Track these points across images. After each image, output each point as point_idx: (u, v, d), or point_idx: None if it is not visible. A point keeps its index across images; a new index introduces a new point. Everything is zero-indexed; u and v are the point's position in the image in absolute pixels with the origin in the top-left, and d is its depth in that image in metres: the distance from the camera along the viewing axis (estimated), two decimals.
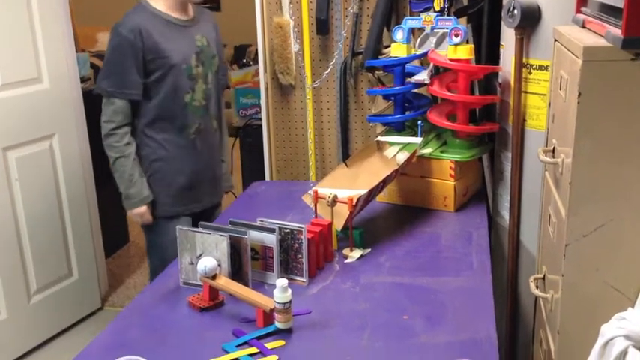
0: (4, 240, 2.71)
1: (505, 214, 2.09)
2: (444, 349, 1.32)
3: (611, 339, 1.06)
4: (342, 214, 1.83)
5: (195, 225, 2.36)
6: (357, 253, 1.82)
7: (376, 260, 1.78)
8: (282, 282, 1.41)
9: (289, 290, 1.42)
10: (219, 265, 1.56)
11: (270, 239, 1.63)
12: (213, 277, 1.54)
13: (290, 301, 1.42)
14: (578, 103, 1.28)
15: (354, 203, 1.79)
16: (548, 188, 1.64)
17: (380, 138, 2.20)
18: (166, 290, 1.64)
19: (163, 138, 2.24)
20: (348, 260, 1.79)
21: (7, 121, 2.69)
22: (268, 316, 1.44)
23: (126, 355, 1.23)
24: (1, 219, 2.69)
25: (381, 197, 2.19)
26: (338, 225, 1.84)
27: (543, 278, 1.66)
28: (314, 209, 1.87)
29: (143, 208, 2.25)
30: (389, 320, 1.46)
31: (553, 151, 1.55)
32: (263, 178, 3.00)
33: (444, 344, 1.34)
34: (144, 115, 2.23)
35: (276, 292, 1.42)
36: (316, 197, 1.85)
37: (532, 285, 1.63)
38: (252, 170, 3.53)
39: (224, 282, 1.54)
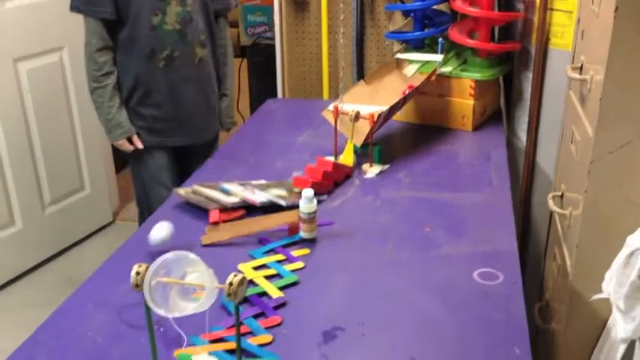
0: (18, 152, 2.72)
1: (522, 134, 2.10)
2: (466, 259, 1.36)
3: (636, 250, 1.09)
4: (361, 130, 1.83)
5: (180, 160, 2.36)
6: (376, 169, 1.83)
7: (395, 176, 1.79)
8: (308, 192, 1.43)
9: (315, 201, 1.44)
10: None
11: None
12: (215, 223, 1.52)
13: (315, 212, 1.44)
14: (615, 17, 1.26)
15: (375, 119, 1.79)
16: (572, 107, 1.64)
17: (399, 55, 2.17)
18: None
19: (133, 64, 2.12)
20: (368, 176, 1.80)
21: (16, 32, 2.65)
22: (294, 227, 1.47)
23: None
24: (14, 131, 2.69)
25: (398, 116, 2.18)
26: (357, 141, 1.85)
27: (561, 196, 1.68)
28: (334, 125, 1.86)
29: (123, 141, 2.19)
30: (411, 232, 1.49)
31: (581, 68, 1.54)
32: (272, 97, 2.99)
33: (466, 255, 1.37)
34: (115, 38, 2.11)
35: (301, 202, 1.43)
36: (337, 113, 1.85)
37: (550, 202, 1.65)
38: (261, 90, 3.51)
39: (232, 229, 1.52)
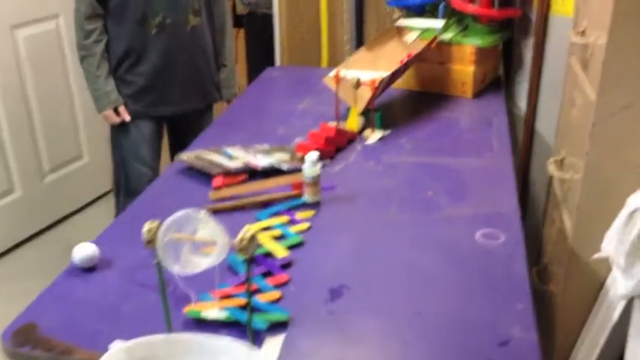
0: (16, 119, 2.72)
1: (521, 102, 2.11)
2: (468, 221, 1.38)
3: (637, 209, 1.11)
4: (363, 96, 1.84)
5: (171, 131, 2.34)
6: (377, 135, 1.84)
7: (397, 142, 1.81)
8: (312, 156, 1.44)
9: (319, 165, 1.45)
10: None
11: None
12: (219, 188, 1.52)
13: (319, 176, 1.46)
14: None
15: (376, 85, 1.80)
16: (573, 72, 1.65)
17: (400, 22, 2.17)
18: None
19: (125, 31, 2.10)
20: (369, 141, 1.82)
21: None
22: (298, 185, 1.48)
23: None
24: (13, 98, 2.68)
25: (399, 83, 2.19)
26: (359, 107, 1.85)
27: (561, 161, 1.70)
28: (335, 91, 1.87)
29: (110, 112, 2.16)
30: (413, 195, 1.50)
31: (582, 33, 1.54)
32: (270, 67, 2.98)
33: (468, 217, 1.39)
34: (106, 5, 2.08)
35: (305, 166, 1.44)
36: (338, 79, 1.85)
37: (551, 167, 1.67)
38: (258, 60, 3.49)
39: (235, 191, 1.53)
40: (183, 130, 2.32)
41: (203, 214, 0.93)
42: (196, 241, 0.89)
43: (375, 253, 1.27)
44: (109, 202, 3.36)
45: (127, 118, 2.17)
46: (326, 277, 1.19)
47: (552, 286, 1.73)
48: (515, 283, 1.16)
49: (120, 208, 2.34)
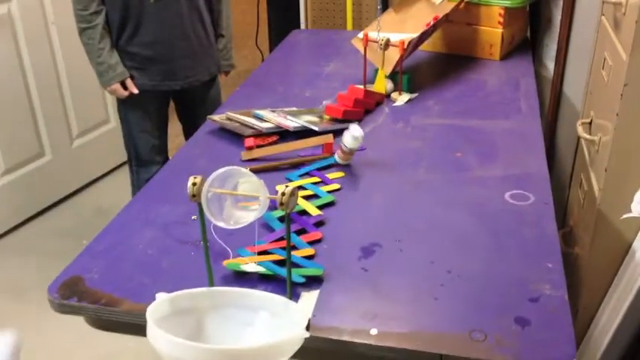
0: (45, 84, 2.76)
1: (549, 63, 2.10)
2: (498, 182, 1.39)
3: None
4: (391, 58, 1.84)
5: (178, 105, 2.33)
6: (405, 97, 1.85)
7: (424, 104, 1.81)
8: (356, 131, 1.41)
9: (360, 139, 1.42)
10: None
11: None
12: (250, 148, 1.53)
13: (357, 148, 1.45)
14: None
15: (405, 46, 1.80)
16: (604, 32, 1.63)
17: None
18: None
19: (122, 2, 2.03)
20: (397, 104, 1.83)
21: None
22: (328, 146, 1.50)
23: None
24: (42, 63, 2.72)
25: (426, 46, 2.18)
26: (387, 69, 1.86)
27: (589, 123, 1.70)
28: (363, 53, 1.87)
29: (116, 86, 2.10)
30: (442, 157, 1.52)
31: None
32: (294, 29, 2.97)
33: (498, 178, 1.41)
34: None
35: (347, 136, 1.42)
36: (366, 40, 1.86)
37: (579, 129, 1.67)
38: (281, 24, 3.48)
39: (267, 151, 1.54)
40: (191, 104, 2.31)
41: (244, 169, 0.96)
42: (239, 195, 0.92)
43: (406, 212, 1.29)
44: None
45: (135, 90, 2.12)
46: (358, 236, 1.22)
47: (578, 249, 1.75)
48: (544, 243, 1.18)
49: (134, 177, 2.37)
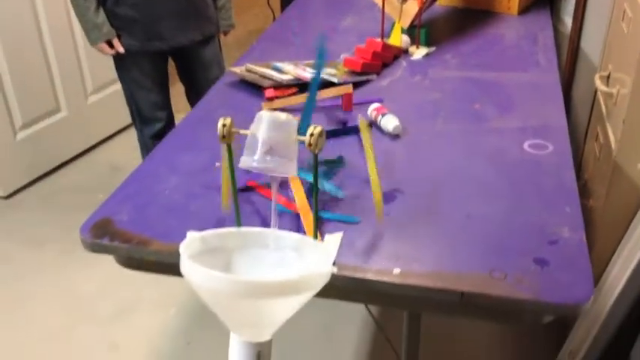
0: (61, 40, 2.77)
1: (567, 18, 2.09)
2: (516, 132, 1.41)
3: None
4: (409, 12, 1.84)
5: (176, 62, 2.30)
6: (422, 51, 1.85)
7: (442, 57, 1.82)
8: (395, 124, 1.42)
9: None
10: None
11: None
12: (271, 99, 1.53)
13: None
14: None
15: (423, 0, 1.79)
16: None
17: None
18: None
19: None
20: (414, 57, 1.83)
21: None
22: (348, 98, 1.52)
23: None
24: (57, 19, 2.73)
25: (443, 0, 2.17)
26: (404, 23, 1.86)
27: (607, 77, 1.70)
28: (381, 6, 1.87)
29: (103, 45, 2.10)
30: (461, 108, 1.53)
31: None
32: None
33: (516, 128, 1.42)
34: None
35: (387, 122, 1.43)
36: None
37: (598, 82, 1.68)
38: None
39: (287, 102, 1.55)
40: (187, 64, 2.30)
41: (275, 114, 0.98)
42: (269, 138, 0.94)
43: (425, 161, 1.32)
44: None
45: (121, 49, 2.12)
46: None
47: (592, 201, 1.77)
48: (563, 189, 1.20)
49: (138, 135, 2.39)
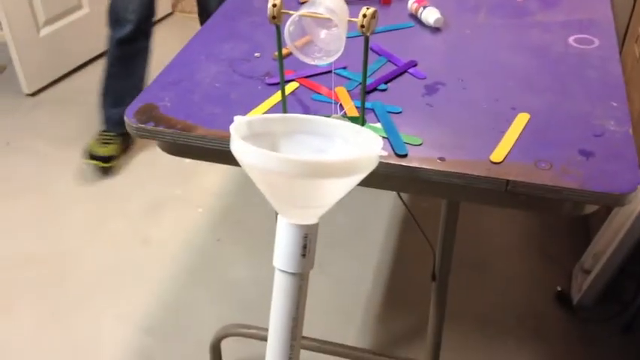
0: None
1: None
2: (561, 26, 1.37)
3: None
4: None
5: None
6: None
7: None
8: (436, 16, 1.38)
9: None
10: None
11: None
12: None
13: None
14: None
15: None
16: None
17: None
18: None
19: None
20: None
21: None
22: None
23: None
24: None
25: None
26: None
27: None
28: None
29: None
30: (503, 1, 1.49)
31: None
32: None
33: (560, 22, 1.38)
34: None
35: (431, 17, 1.38)
36: None
37: None
38: None
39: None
40: None
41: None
42: (319, 17, 0.92)
43: (467, 55, 1.29)
44: (171, 23, 3.38)
45: None
46: (420, 75, 1.22)
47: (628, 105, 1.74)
48: (609, 84, 1.18)
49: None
